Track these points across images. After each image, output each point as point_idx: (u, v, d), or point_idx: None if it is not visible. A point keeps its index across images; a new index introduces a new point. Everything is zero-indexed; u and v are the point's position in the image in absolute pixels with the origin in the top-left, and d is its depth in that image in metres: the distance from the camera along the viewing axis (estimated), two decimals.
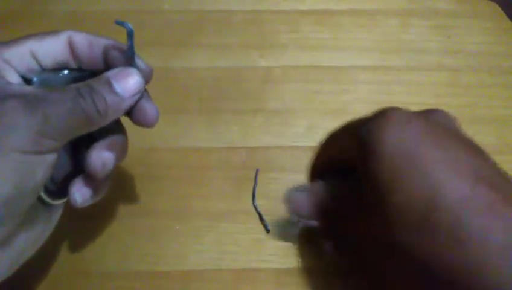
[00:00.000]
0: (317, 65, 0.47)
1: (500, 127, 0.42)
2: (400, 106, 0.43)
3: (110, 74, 0.25)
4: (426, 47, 0.48)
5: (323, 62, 0.47)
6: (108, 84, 0.24)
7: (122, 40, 0.26)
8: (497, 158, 0.39)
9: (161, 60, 0.43)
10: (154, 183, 0.37)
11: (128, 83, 0.25)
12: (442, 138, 0.23)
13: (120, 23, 0.25)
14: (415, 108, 0.44)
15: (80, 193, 0.26)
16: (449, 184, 0.21)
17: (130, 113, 0.27)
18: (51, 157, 0.23)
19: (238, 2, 0.52)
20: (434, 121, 0.25)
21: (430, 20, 0.51)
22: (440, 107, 0.43)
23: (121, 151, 0.27)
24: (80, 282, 0.32)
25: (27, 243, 0.25)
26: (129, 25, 0.25)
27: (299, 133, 0.41)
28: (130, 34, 0.25)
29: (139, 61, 0.26)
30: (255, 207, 0.33)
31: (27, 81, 0.25)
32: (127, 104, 0.25)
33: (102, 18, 0.50)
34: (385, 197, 0.22)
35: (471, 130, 0.42)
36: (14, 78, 0.25)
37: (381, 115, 0.25)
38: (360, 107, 0.43)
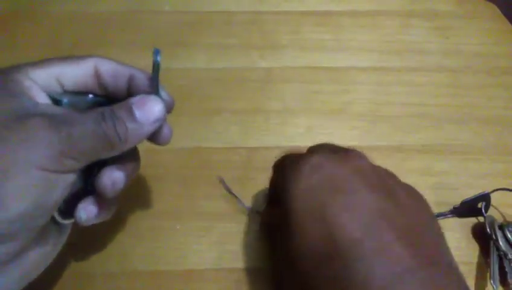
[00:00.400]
0: (317, 66, 0.47)
1: (500, 127, 0.42)
2: (399, 106, 0.44)
3: (132, 100, 0.25)
4: (426, 48, 0.49)
5: (323, 63, 0.47)
6: (130, 110, 0.24)
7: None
8: (497, 158, 0.40)
9: (161, 61, 0.43)
10: (154, 184, 0.37)
11: (149, 110, 0.25)
12: (345, 183, 0.25)
13: (156, 52, 0.26)
14: (415, 108, 0.44)
15: (84, 211, 0.26)
16: (343, 227, 0.23)
17: None
18: (70, 177, 0.23)
19: (239, 2, 0.52)
20: (344, 163, 0.26)
21: (430, 21, 0.51)
22: (439, 108, 0.44)
23: (131, 173, 0.28)
24: (81, 283, 0.32)
25: (38, 259, 0.25)
26: (158, 58, 0.26)
27: (299, 133, 0.41)
28: (156, 66, 0.26)
29: (162, 92, 0.27)
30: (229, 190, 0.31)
31: (56, 101, 0.26)
32: (146, 130, 0.25)
33: (102, 18, 0.50)
34: (292, 236, 0.24)
35: (470, 131, 0.42)
36: (42, 98, 0.25)
37: (296, 164, 0.27)
38: (360, 108, 0.43)
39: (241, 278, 0.33)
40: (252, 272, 0.33)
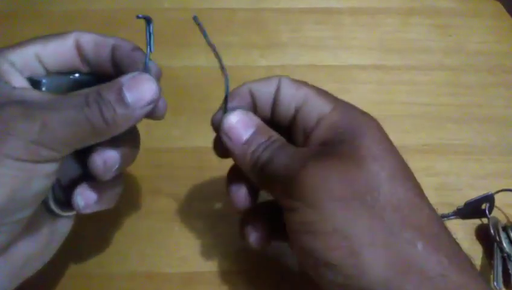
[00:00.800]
0: (318, 64, 0.46)
1: (502, 126, 0.42)
2: (400, 105, 0.43)
3: (122, 80, 0.22)
4: (427, 46, 0.48)
5: (323, 61, 0.47)
6: (120, 93, 0.22)
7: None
8: (500, 158, 0.39)
9: (161, 59, 0.42)
10: (154, 184, 0.37)
11: (141, 92, 0.22)
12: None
13: (142, 16, 0.23)
14: (416, 108, 0.44)
15: (81, 197, 0.25)
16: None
17: None
18: (50, 167, 0.22)
19: (239, 0, 0.52)
20: None
21: (432, 19, 0.51)
22: (441, 107, 0.43)
23: (130, 152, 0.26)
24: (81, 284, 0.32)
25: (29, 254, 0.24)
26: (151, 27, 0.23)
27: None
28: (149, 37, 0.24)
29: (150, 63, 0.24)
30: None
31: (35, 83, 0.24)
32: (139, 114, 0.23)
33: (102, 17, 0.50)
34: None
35: (472, 130, 0.42)
36: (20, 82, 0.23)
37: None
38: (361, 106, 0.42)
39: (240, 280, 0.32)
40: (250, 275, 0.33)
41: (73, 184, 0.26)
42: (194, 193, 0.36)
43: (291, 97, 0.26)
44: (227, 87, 0.26)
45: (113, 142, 0.24)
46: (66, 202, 0.26)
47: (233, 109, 0.26)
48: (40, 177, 0.22)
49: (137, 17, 0.23)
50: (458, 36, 0.49)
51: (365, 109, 0.45)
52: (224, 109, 0.26)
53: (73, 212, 0.26)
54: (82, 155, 0.24)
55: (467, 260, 0.22)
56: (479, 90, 0.44)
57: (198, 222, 0.35)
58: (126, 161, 0.25)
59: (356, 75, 0.45)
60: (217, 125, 0.26)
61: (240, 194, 0.26)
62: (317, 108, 0.25)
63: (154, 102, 0.23)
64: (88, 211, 0.26)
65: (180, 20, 0.49)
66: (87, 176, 0.25)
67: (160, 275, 0.32)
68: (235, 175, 0.27)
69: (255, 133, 0.25)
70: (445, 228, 0.23)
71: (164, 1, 0.51)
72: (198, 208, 0.36)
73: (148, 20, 0.23)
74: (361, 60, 0.47)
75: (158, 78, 0.25)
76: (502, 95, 0.44)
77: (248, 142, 0.25)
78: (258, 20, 0.50)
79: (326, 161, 0.23)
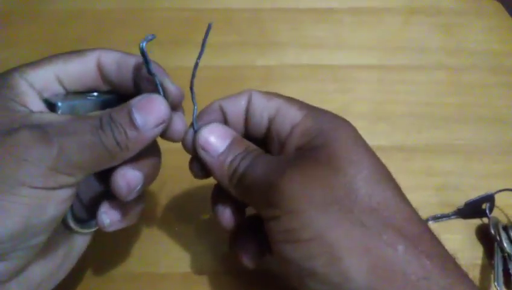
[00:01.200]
0: (318, 64, 0.46)
1: (503, 126, 0.41)
2: (401, 105, 0.43)
3: (132, 102, 0.22)
4: (428, 45, 0.48)
5: (323, 61, 0.46)
6: (129, 115, 0.22)
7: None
8: (501, 158, 0.39)
9: (160, 59, 0.42)
10: (154, 184, 0.37)
11: (150, 113, 0.22)
12: None
13: (148, 39, 0.23)
14: (416, 107, 0.44)
15: (106, 215, 0.25)
16: None
17: None
18: (65, 193, 0.21)
19: (239, 0, 0.52)
20: None
21: (433, 18, 0.51)
22: (442, 107, 0.43)
23: (151, 171, 0.25)
24: (80, 284, 0.32)
25: (44, 276, 0.24)
26: (143, 45, 0.22)
27: None
28: (144, 57, 0.23)
29: (169, 84, 0.24)
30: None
31: (51, 105, 0.23)
32: (150, 135, 0.23)
33: (102, 16, 0.50)
34: None
35: (473, 130, 0.42)
36: (37, 105, 0.23)
37: None
38: (361, 107, 0.42)
39: (240, 281, 0.32)
40: (250, 275, 0.32)
41: (93, 201, 0.25)
42: (194, 193, 0.36)
43: (263, 108, 0.26)
44: (195, 105, 0.26)
45: (135, 162, 0.24)
46: (86, 219, 0.25)
47: (206, 124, 0.26)
48: (55, 203, 0.21)
49: (147, 37, 0.23)
50: (458, 36, 0.49)
51: (366, 109, 0.45)
52: (193, 126, 0.26)
53: (93, 230, 0.26)
54: (103, 173, 0.24)
55: (451, 260, 0.21)
56: (479, 90, 0.44)
57: (198, 222, 0.35)
58: (148, 179, 0.25)
59: (356, 74, 0.45)
60: (189, 146, 0.26)
61: (226, 214, 0.26)
62: (289, 116, 0.25)
63: (165, 122, 0.23)
64: (113, 229, 0.25)
65: (179, 20, 0.49)
66: (108, 193, 0.25)
67: (160, 276, 0.32)
68: (219, 195, 0.27)
69: (231, 144, 0.25)
70: (428, 228, 0.22)
71: (163, 1, 0.51)
72: (198, 208, 0.36)
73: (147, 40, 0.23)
74: (361, 60, 0.47)
75: (178, 100, 0.25)
76: (502, 94, 0.44)
77: (225, 153, 0.25)
78: (257, 20, 0.50)
79: (303, 167, 0.22)
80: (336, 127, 0.24)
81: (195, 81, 0.25)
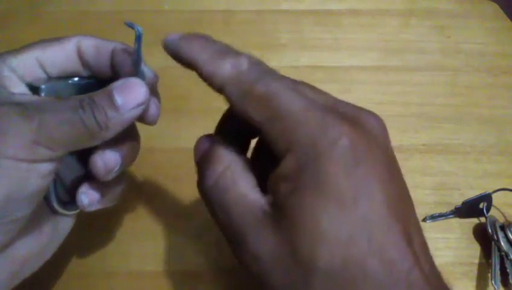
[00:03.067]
0: (317, 65, 0.46)
1: (500, 126, 0.42)
2: (399, 105, 0.43)
3: (113, 85, 0.23)
4: (426, 47, 0.48)
5: (323, 62, 0.47)
6: (110, 96, 0.23)
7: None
8: (498, 158, 0.40)
9: (161, 60, 0.42)
10: (154, 184, 0.37)
11: (130, 95, 0.23)
12: None
13: (130, 24, 0.24)
14: (414, 108, 0.44)
15: (85, 195, 0.25)
16: None
17: None
18: (47, 167, 0.22)
19: (238, 1, 0.52)
20: None
21: (430, 20, 0.51)
22: (440, 107, 0.43)
23: (130, 153, 0.26)
24: (80, 283, 0.32)
25: (30, 253, 0.24)
26: (139, 27, 0.24)
27: None
28: (139, 37, 0.24)
29: (145, 68, 0.25)
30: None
31: (34, 89, 0.24)
32: (129, 116, 0.23)
33: (102, 18, 0.50)
34: None
35: (471, 130, 0.42)
36: (19, 88, 0.24)
37: None
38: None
39: (241, 279, 0.32)
40: None
41: (76, 184, 0.26)
42: (193, 192, 0.36)
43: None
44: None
45: (113, 144, 0.25)
46: (69, 201, 0.26)
47: None
48: (37, 177, 0.22)
49: (126, 24, 0.24)
50: (456, 37, 0.50)
51: None
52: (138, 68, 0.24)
53: (76, 211, 0.26)
54: (83, 155, 0.25)
55: None
56: (477, 91, 0.45)
57: (198, 220, 0.35)
58: (126, 161, 0.26)
59: (355, 75, 0.46)
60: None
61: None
62: (272, 144, 0.21)
63: (144, 104, 0.24)
64: (92, 208, 0.26)
65: (180, 22, 0.49)
66: (89, 176, 0.25)
67: (160, 274, 0.32)
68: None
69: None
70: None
71: (164, 3, 0.51)
72: (197, 207, 0.36)
73: (131, 27, 0.24)
74: (360, 61, 0.47)
75: (153, 82, 0.25)
76: (500, 95, 0.44)
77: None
78: (257, 22, 0.50)
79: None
80: (320, 171, 0.19)
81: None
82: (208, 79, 0.22)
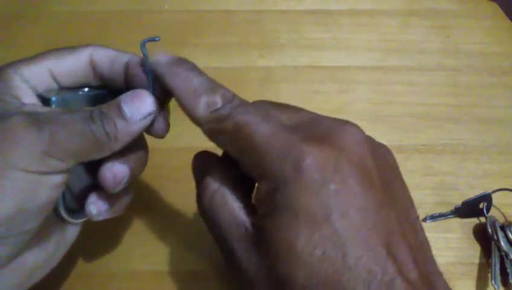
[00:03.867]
0: (317, 65, 0.46)
1: (500, 126, 0.42)
2: (399, 106, 0.43)
3: (121, 96, 0.24)
4: (426, 47, 0.48)
5: (322, 62, 0.47)
6: (119, 107, 0.23)
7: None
8: (498, 158, 0.40)
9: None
10: (155, 183, 0.37)
11: (138, 106, 0.23)
12: None
13: (148, 41, 0.24)
14: (414, 108, 0.44)
15: (94, 205, 0.25)
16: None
17: None
18: (57, 179, 0.22)
19: (238, 2, 0.52)
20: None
21: (430, 20, 0.51)
22: (440, 107, 0.43)
23: (138, 165, 0.26)
24: (81, 283, 0.32)
25: (36, 263, 0.24)
26: (144, 50, 0.24)
27: None
28: (145, 59, 0.24)
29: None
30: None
31: (45, 100, 0.24)
32: (137, 127, 0.24)
33: (102, 18, 0.50)
34: None
35: (471, 130, 0.42)
36: (30, 99, 0.24)
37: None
38: (360, 108, 0.43)
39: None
40: None
41: (84, 192, 0.26)
42: (194, 192, 0.36)
43: None
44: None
45: (122, 155, 0.25)
46: (77, 210, 0.26)
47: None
48: (47, 189, 0.22)
49: (143, 42, 0.24)
50: (457, 37, 0.50)
51: (364, 109, 0.45)
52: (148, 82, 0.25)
53: (83, 220, 0.27)
54: (92, 164, 0.25)
55: None
56: (477, 91, 0.45)
57: (199, 220, 0.35)
58: (135, 173, 0.26)
59: (355, 75, 0.46)
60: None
61: None
62: (250, 168, 0.22)
63: (151, 115, 0.24)
64: (100, 218, 0.26)
65: (180, 22, 0.49)
66: (97, 185, 0.26)
67: (162, 273, 0.32)
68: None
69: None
70: None
71: (164, 3, 0.51)
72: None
73: (144, 43, 0.24)
74: (360, 61, 0.47)
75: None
76: (500, 95, 0.44)
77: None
78: (257, 22, 0.50)
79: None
80: (288, 197, 0.20)
81: None
82: (186, 114, 0.23)
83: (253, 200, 0.23)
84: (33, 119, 0.21)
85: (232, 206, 0.23)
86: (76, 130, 0.22)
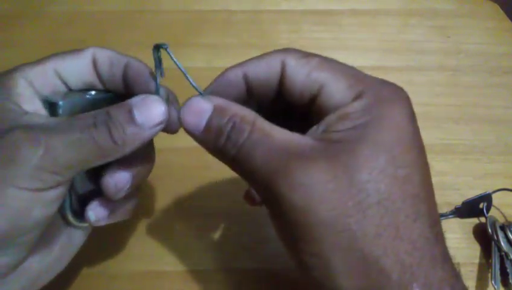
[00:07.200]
0: None
1: (500, 126, 0.42)
2: None
3: (133, 101, 0.23)
4: (426, 47, 0.48)
5: None
6: (130, 112, 0.22)
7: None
8: (498, 158, 0.40)
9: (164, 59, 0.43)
10: (155, 183, 0.37)
11: (151, 113, 0.22)
12: None
13: (160, 47, 0.24)
14: (414, 108, 0.44)
15: (93, 212, 0.25)
16: None
17: None
18: (53, 194, 0.21)
19: (238, 1, 0.52)
20: None
21: (431, 20, 0.51)
22: (440, 107, 0.43)
23: (142, 171, 0.26)
24: (81, 283, 0.32)
25: (41, 267, 0.24)
26: (159, 54, 0.24)
27: None
28: (157, 63, 0.24)
29: (160, 89, 0.24)
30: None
31: (52, 105, 0.24)
32: (148, 134, 0.23)
33: (102, 18, 0.50)
34: None
35: (471, 130, 0.42)
36: (33, 105, 0.23)
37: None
38: None
39: (241, 279, 0.32)
40: (251, 273, 0.33)
41: (90, 196, 0.26)
42: (194, 192, 0.37)
43: (303, 86, 0.22)
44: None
45: (125, 162, 0.24)
46: (82, 214, 0.26)
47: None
48: (42, 205, 0.21)
49: (154, 47, 0.23)
50: (457, 37, 0.50)
51: None
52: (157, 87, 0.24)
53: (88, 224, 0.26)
54: (99, 169, 0.24)
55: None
56: (477, 91, 0.45)
57: (199, 221, 0.35)
58: (138, 180, 0.25)
59: None
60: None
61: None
62: (335, 98, 0.22)
63: (163, 123, 0.23)
64: (101, 224, 0.26)
65: (180, 22, 0.49)
66: (101, 191, 0.25)
67: (161, 274, 0.33)
68: None
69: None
70: (435, 261, 0.21)
71: (164, 3, 0.51)
72: (198, 207, 0.36)
73: (157, 47, 0.24)
74: (360, 61, 0.47)
75: (172, 99, 0.26)
76: (500, 95, 0.44)
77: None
78: (257, 22, 0.50)
79: (313, 166, 0.19)
80: (384, 114, 0.21)
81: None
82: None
83: (328, 120, 0.21)
84: (29, 133, 0.21)
85: (279, 134, 0.21)
86: (74, 139, 0.21)
